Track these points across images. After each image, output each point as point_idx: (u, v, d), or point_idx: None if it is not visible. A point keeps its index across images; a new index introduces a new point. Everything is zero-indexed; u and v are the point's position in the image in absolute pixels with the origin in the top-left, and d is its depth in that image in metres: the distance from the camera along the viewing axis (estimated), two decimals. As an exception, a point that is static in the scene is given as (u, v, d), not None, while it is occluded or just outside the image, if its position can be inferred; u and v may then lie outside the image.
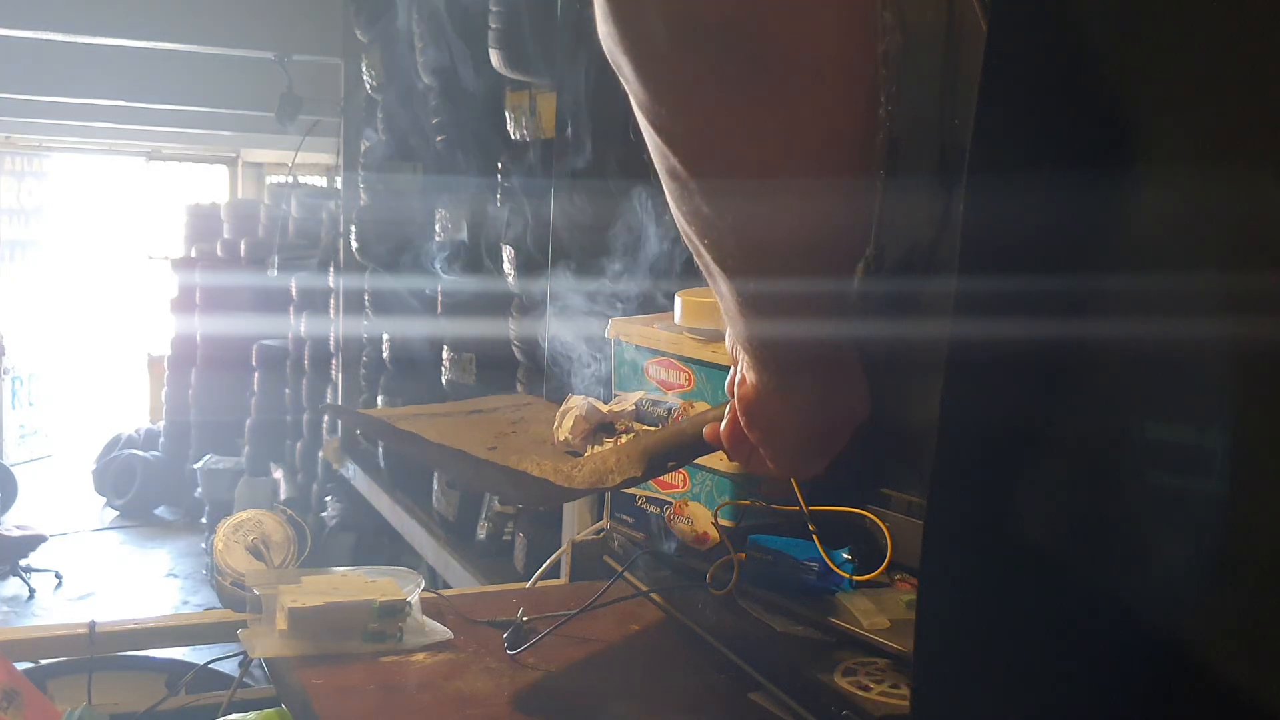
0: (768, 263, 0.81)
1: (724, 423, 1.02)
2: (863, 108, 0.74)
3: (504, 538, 3.08)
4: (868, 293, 0.81)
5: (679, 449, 1.09)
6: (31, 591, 6.73)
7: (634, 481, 1.09)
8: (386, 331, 4.11)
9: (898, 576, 1.15)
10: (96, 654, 1.54)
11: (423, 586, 1.28)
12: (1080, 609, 0.59)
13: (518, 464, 1.09)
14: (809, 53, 0.69)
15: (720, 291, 0.86)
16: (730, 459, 1.05)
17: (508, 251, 2.90)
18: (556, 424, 1.23)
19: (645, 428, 1.18)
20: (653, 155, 0.78)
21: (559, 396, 1.28)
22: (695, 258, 0.84)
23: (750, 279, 0.82)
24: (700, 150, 0.75)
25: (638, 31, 0.69)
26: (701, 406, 1.20)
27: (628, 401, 1.22)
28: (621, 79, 0.73)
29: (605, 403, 1.23)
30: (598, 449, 1.17)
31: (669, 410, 1.22)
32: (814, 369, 0.93)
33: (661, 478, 1.27)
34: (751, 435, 0.99)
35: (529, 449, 1.19)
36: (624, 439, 1.17)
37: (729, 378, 1.00)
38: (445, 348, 3.45)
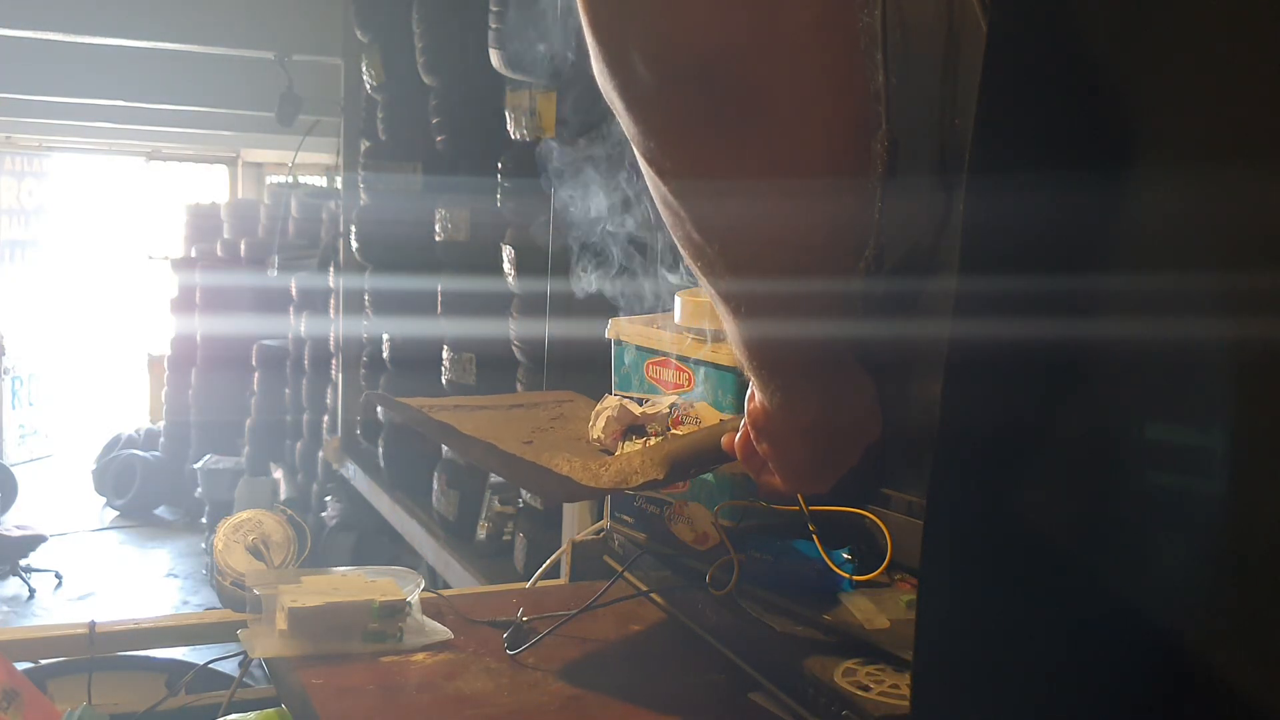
0: (758, 285, 0.83)
1: (738, 435, 1.03)
2: (847, 140, 0.75)
3: (504, 538, 3.08)
4: (868, 295, 0.82)
5: (700, 456, 1.11)
6: (31, 591, 6.73)
7: (656, 484, 1.11)
8: (386, 331, 4.11)
9: (898, 576, 1.14)
10: (96, 654, 1.54)
11: (423, 586, 1.28)
12: (1080, 609, 0.59)
13: (549, 461, 1.11)
14: (789, 93, 0.71)
15: (718, 309, 0.88)
16: (746, 469, 1.07)
17: (508, 251, 2.90)
18: (591, 423, 1.24)
19: (677, 431, 1.20)
20: (647, 183, 0.80)
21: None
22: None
23: (742, 299, 0.84)
24: (687, 181, 0.77)
25: (625, 73, 0.71)
26: (702, 406, 1.20)
27: (661, 404, 1.23)
28: (615, 114, 0.75)
29: (640, 404, 1.25)
30: (628, 448, 1.19)
31: (670, 409, 1.22)
32: (817, 385, 0.93)
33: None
34: (760, 450, 1.00)
35: (563, 445, 1.21)
36: (653, 441, 1.18)
37: (747, 392, 1.01)
38: (445, 347, 3.45)
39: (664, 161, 0.76)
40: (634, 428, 1.23)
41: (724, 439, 1.07)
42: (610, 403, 1.25)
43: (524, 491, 2.96)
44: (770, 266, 0.81)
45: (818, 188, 0.76)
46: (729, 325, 0.88)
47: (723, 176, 0.75)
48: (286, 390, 6.19)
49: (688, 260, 0.84)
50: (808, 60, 0.70)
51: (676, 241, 0.83)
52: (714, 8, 0.68)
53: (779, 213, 0.76)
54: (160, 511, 8.45)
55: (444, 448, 3.48)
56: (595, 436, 1.23)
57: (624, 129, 0.76)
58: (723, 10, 0.68)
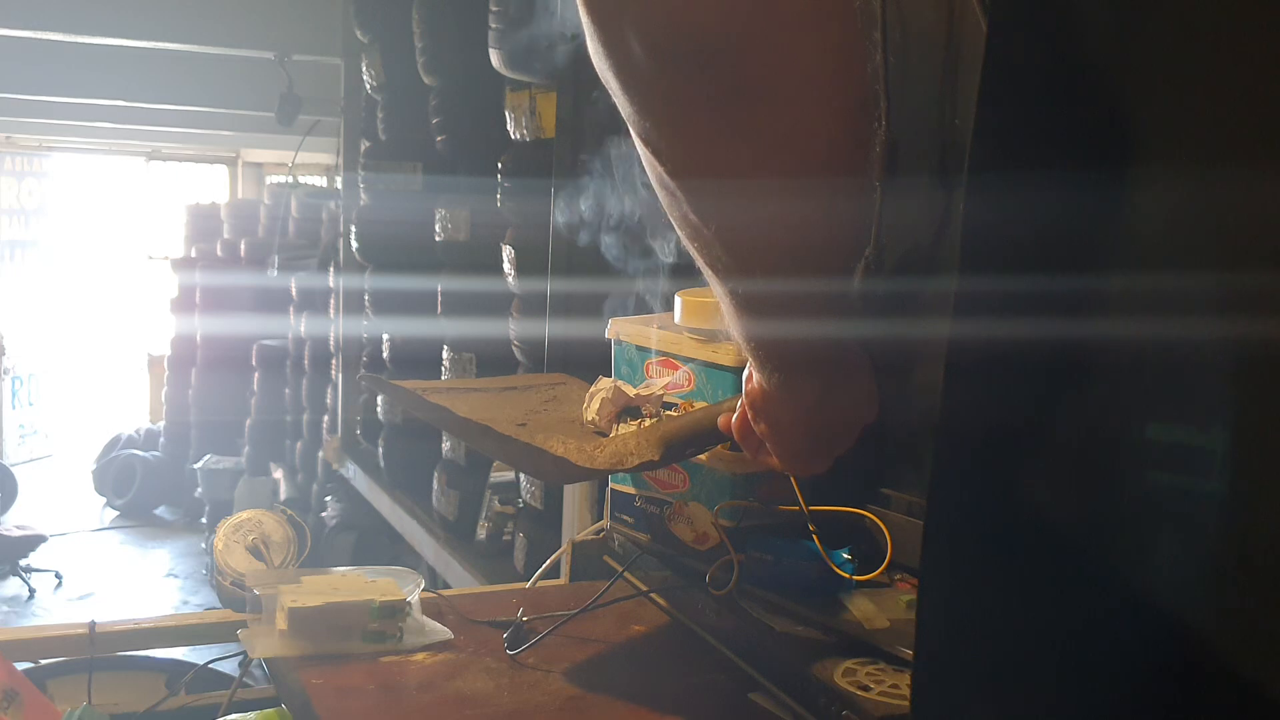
0: (755, 267, 0.82)
1: (735, 415, 1.04)
2: (845, 123, 0.75)
3: (504, 538, 3.07)
4: (867, 292, 0.82)
5: (696, 437, 1.11)
6: (31, 591, 6.73)
7: (651, 465, 1.11)
8: (386, 331, 4.11)
9: (898, 576, 1.15)
10: (96, 654, 1.54)
11: (423, 586, 1.28)
12: (1080, 608, 0.59)
13: (544, 442, 1.11)
14: (785, 74, 0.71)
15: (716, 292, 0.88)
16: (743, 449, 1.07)
17: (508, 251, 2.90)
18: (585, 404, 1.24)
19: (671, 413, 1.20)
20: (644, 164, 0.80)
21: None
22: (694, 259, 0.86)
23: (739, 282, 0.84)
24: (684, 162, 0.77)
25: (621, 54, 0.71)
26: (701, 406, 1.20)
27: (655, 386, 1.23)
28: (611, 95, 0.75)
29: (634, 386, 1.25)
30: (623, 429, 1.19)
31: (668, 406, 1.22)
32: (815, 369, 0.94)
33: (661, 477, 1.27)
34: (758, 430, 1.01)
35: (557, 427, 1.20)
36: (648, 423, 1.18)
37: (745, 372, 1.01)
38: (445, 347, 3.45)
39: (660, 143, 0.76)
40: (629, 409, 1.22)
41: (720, 419, 1.07)
42: (605, 384, 1.25)
43: (524, 492, 2.96)
44: (770, 249, 0.81)
45: (817, 171, 0.76)
46: (727, 309, 0.88)
47: (720, 158, 0.75)
48: (286, 390, 6.19)
49: (685, 242, 0.84)
50: (806, 43, 0.70)
51: (673, 222, 0.83)
52: None
53: (778, 195, 0.76)
54: (160, 511, 8.44)
55: (443, 447, 3.48)
56: (589, 418, 1.23)
57: (620, 107, 0.76)
58: None
